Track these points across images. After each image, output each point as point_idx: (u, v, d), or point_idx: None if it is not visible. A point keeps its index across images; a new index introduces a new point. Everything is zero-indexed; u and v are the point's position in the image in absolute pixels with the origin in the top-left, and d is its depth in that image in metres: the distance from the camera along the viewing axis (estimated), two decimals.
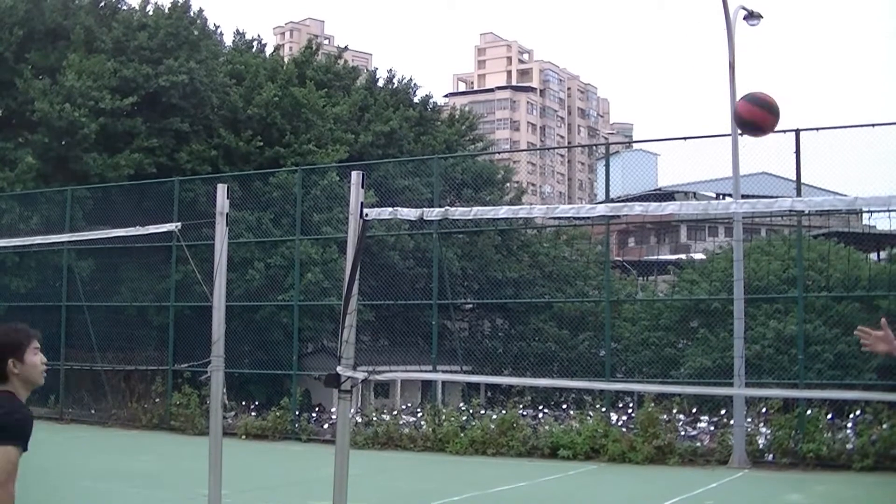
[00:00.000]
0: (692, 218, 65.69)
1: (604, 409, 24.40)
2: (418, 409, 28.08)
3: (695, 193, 62.78)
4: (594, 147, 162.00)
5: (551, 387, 29.91)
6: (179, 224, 15.89)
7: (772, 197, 9.45)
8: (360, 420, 26.57)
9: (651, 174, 61.79)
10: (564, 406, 28.82)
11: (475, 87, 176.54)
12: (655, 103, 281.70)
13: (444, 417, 25.52)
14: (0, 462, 5.73)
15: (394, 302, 31.99)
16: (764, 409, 22.91)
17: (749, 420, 22.52)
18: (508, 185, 48.69)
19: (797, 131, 22.76)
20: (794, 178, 23.05)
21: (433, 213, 10.09)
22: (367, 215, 9.88)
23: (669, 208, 10.17)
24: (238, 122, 40.05)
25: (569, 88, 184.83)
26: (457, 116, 52.45)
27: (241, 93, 40.49)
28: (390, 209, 10.04)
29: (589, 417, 24.14)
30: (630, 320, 33.72)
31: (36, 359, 6.47)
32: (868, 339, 6.81)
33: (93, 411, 30.81)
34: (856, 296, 28.75)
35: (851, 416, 22.21)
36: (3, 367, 6.24)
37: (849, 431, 21.91)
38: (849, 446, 21.47)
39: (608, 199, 27.61)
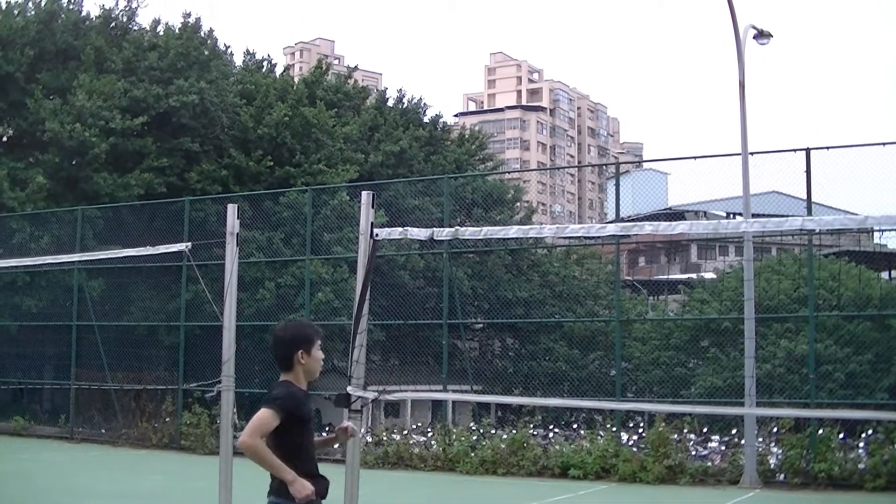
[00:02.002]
0: (702, 237, 65.62)
1: (614, 429, 24.34)
2: (429, 429, 28.00)
3: (705, 212, 62.68)
4: (604, 166, 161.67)
5: (562, 406, 29.84)
6: (190, 244, 15.92)
7: (782, 216, 9.42)
8: (370, 440, 26.51)
9: (661, 193, 61.72)
10: (575, 426, 28.74)
11: (485, 107, 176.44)
12: (665, 123, 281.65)
13: (454, 437, 25.46)
14: (257, 418, 7.04)
15: (404, 322, 31.93)
16: (775, 429, 22.82)
17: (760, 440, 22.45)
18: (518, 204, 48.65)
19: (808, 150, 22.72)
20: (805, 197, 23.00)
21: (443, 233, 10.09)
22: (377, 235, 9.89)
23: (679, 228, 10.15)
24: (248, 142, 40.13)
25: (579, 108, 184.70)
26: (467, 136, 52.50)
27: (252, 113, 40.57)
28: (400, 229, 10.05)
29: (599, 437, 24.07)
30: (640, 340, 33.62)
31: (319, 354, 7.38)
32: None
33: (103, 430, 30.80)
34: (867, 315, 28.68)
35: (863, 435, 22.11)
36: (291, 357, 7.33)
37: (861, 451, 21.82)
38: (861, 466, 21.38)
39: (618, 219, 27.58)
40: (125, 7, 43.89)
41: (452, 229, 10.14)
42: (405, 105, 50.75)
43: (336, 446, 8.93)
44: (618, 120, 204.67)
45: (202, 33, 43.19)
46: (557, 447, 24.48)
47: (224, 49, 45.94)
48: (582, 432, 25.89)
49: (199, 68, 40.14)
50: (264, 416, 7.03)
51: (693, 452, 23.64)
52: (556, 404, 27.41)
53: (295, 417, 7.25)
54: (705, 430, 24.58)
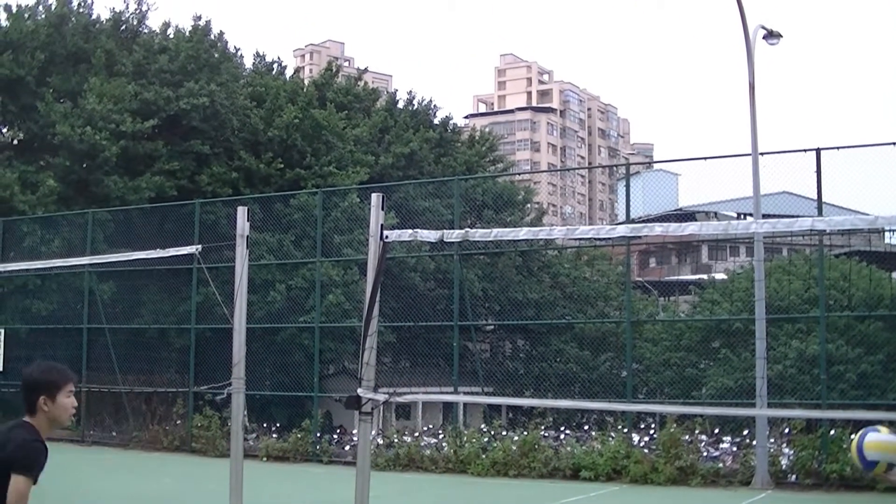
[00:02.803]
0: (713, 238, 65.55)
1: (625, 430, 24.31)
2: (440, 431, 28.01)
3: (716, 213, 62.60)
4: (614, 167, 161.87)
5: (573, 408, 29.81)
6: (200, 246, 15.95)
7: (793, 216, 9.40)
8: (381, 442, 26.52)
9: (672, 194, 61.65)
10: (586, 427, 28.71)
11: (495, 108, 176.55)
12: (676, 123, 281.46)
13: (465, 439, 25.46)
14: (13, 494, 6.05)
15: (415, 323, 31.93)
16: (787, 430, 22.80)
17: (772, 441, 22.42)
18: (529, 205, 48.65)
19: (818, 150, 22.69)
20: (816, 198, 22.97)
21: (454, 235, 10.08)
22: (387, 237, 9.88)
23: (690, 229, 10.14)
24: (258, 145, 40.15)
25: (589, 109, 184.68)
26: (477, 138, 52.48)
27: (262, 115, 40.60)
28: (411, 231, 10.04)
29: (611, 438, 24.05)
30: (651, 341, 33.59)
31: (68, 402, 6.58)
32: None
33: (114, 433, 30.85)
34: (878, 315, 28.61)
35: None
36: (34, 402, 6.48)
37: None
38: None
39: (629, 220, 27.53)
40: (135, 10, 43.99)
41: (462, 231, 10.14)
42: (415, 107, 50.74)
43: None
44: (628, 121, 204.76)
45: (212, 36, 43.23)
46: (569, 449, 24.46)
47: (234, 51, 45.99)
48: (593, 434, 25.86)
49: (210, 71, 40.19)
50: (25, 489, 6.10)
51: (704, 453, 23.62)
52: (566, 406, 27.35)
53: (40, 471, 6.31)
54: (717, 431, 24.55)
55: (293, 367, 31.91)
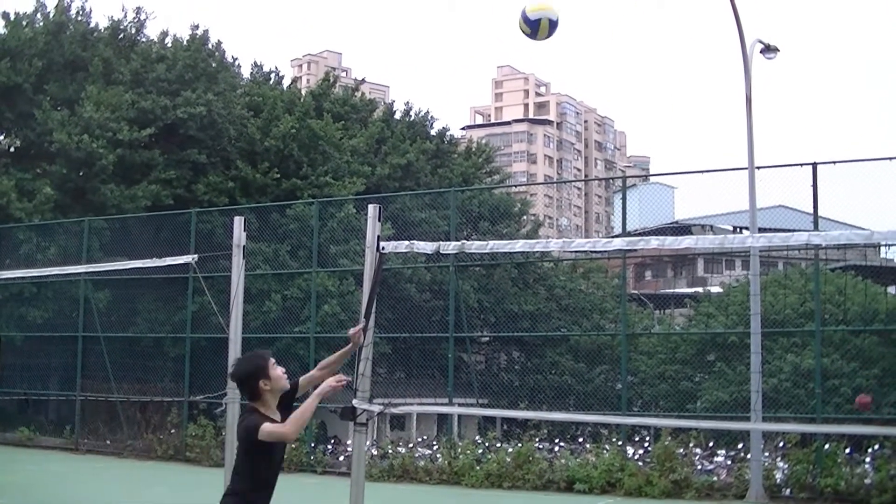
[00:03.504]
0: (709, 251, 65.58)
1: (620, 443, 24.30)
2: (434, 442, 27.99)
3: (712, 226, 62.68)
4: (611, 180, 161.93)
5: (567, 421, 29.81)
6: (196, 256, 15.95)
7: (789, 230, 9.42)
8: (375, 452, 26.50)
9: (668, 207, 61.68)
10: (581, 439, 28.72)
11: (492, 120, 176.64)
12: (672, 136, 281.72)
13: (459, 450, 25.43)
14: (272, 427, 7.72)
15: (410, 334, 31.94)
16: (781, 444, 22.80)
17: (766, 454, 22.42)
18: (525, 217, 48.69)
19: (814, 164, 22.73)
20: (812, 212, 23.00)
21: (449, 247, 10.09)
22: (383, 248, 9.89)
23: (685, 242, 10.17)
24: (255, 154, 40.17)
25: (586, 121, 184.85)
26: (474, 149, 52.49)
27: (259, 125, 40.62)
28: (407, 242, 10.06)
29: (605, 451, 24.04)
30: (646, 353, 33.61)
31: (278, 371, 8.05)
32: None
33: (108, 442, 30.79)
34: (873, 329, 28.63)
35: (870, 450, 22.08)
36: (255, 388, 7.90)
37: (867, 466, 21.78)
38: (867, 481, 21.34)
39: (625, 232, 27.56)
40: (133, 19, 43.98)
41: (458, 243, 10.15)
42: (412, 118, 50.77)
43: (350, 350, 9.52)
44: (625, 133, 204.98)
45: (210, 45, 43.25)
46: (563, 461, 24.44)
47: (232, 61, 46.00)
48: (588, 446, 25.88)
49: (207, 80, 40.20)
50: (267, 426, 7.70)
51: (699, 467, 23.61)
52: (561, 419, 27.32)
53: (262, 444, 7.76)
54: (711, 444, 24.56)
55: (288, 377, 31.83)
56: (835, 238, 8.93)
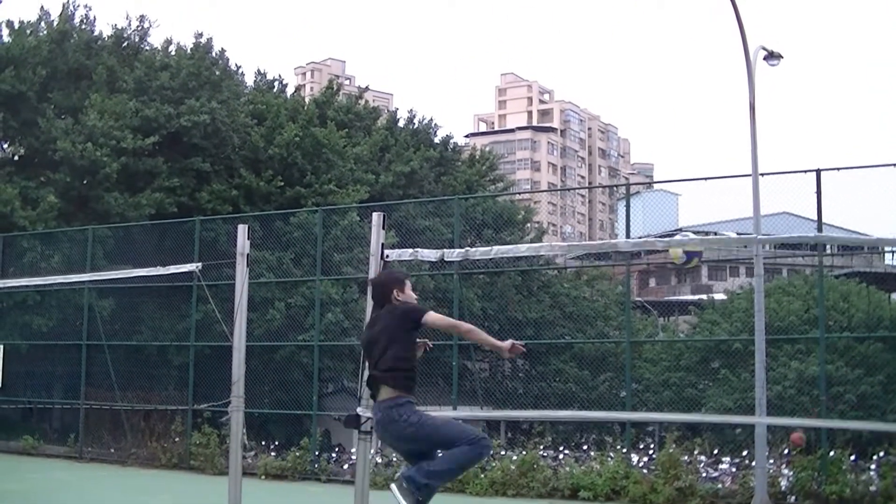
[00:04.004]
0: (713, 257, 65.56)
1: (624, 451, 24.26)
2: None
3: (716, 233, 62.64)
4: (615, 187, 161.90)
5: (571, 422, 29.76)
6: (200, 264, 15.97)
7: (792, 235, 9.43)
8: (379, 460, 26.42)
9: (672, 214, 61.87)
10: (585, 447, 28.65)
11: (496, 128, 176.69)
12: (676, 143, 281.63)
13: None
14: (437, 316, 9.35)
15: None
16: (786, 451, 22.75)
17: (771, 461, 22.36)
18: (529, 225, 48.67)
19: (818, 171, 22.70)
20: (816, 218, 22.97)
21: (453, 254, 10.09)
22: (387, 256, 9.90)
23: (690, 244, 10.15)
24: (259, 162, 40.20)
25: (589, 128, 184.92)
26: (477, 157, 52.58)
27: (263, 133, 40.65)
28: (411, 250, 10.08)
29: (610, 458, 23.99)
30: (651, 361, 33.59)
31: (412, 293, 9.22)
32: None
33: (112, 450, 30.76)
34: (878, 336, 28.61)
35: (875, 457, 22.04)
36: (389, 296, 9.08)
37: (872, 473, 21.73)
38: (872, 488, 21.29)
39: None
40: (137, 27, 44.07)
41: (462, 250, 10.16)
42: (416, 126, 50.83)
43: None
44: (628, 141, 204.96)
45: (214, 53, 43.33)
46: (567, 468, 24.39)
47: (235, 69, 46.06)
48: (592, 454, 25.81)
49: (211, 88, 40.26)
50: (435, 314, 9.33)
51: (704, 474, 23.55)
52: (564, 416, 27.31)
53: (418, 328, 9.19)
54: (716, 451, 24.50)
55: (292, 386, 31.85)
56: (840, 240, 8.95)
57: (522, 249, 10.96)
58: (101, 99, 37.85)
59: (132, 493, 24.00)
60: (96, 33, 43.17)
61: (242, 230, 13.84)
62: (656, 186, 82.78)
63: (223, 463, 25.69)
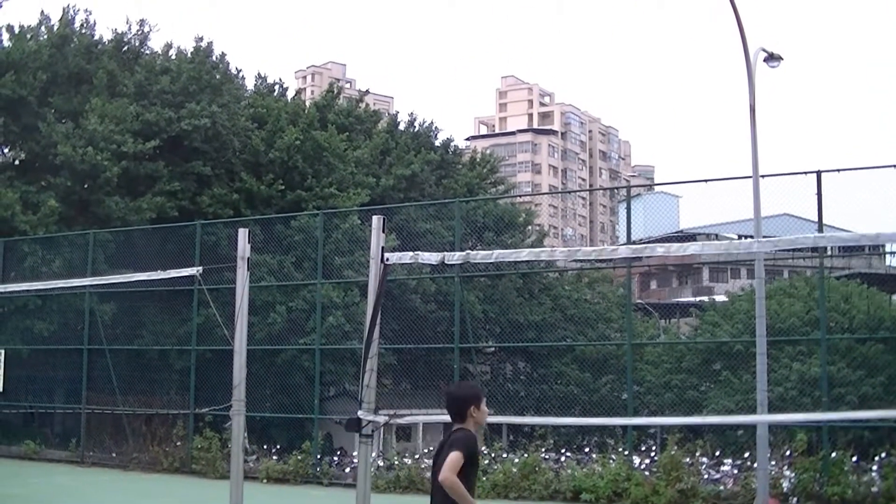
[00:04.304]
0: (714, 260, 65.55)
1: (626, 453, 24.25)
2: None
3: (717, 235, 62.73)
4: (616, 190, 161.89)
5: (572, 427, 29.76)
6: (201, 268, 15.97)
7: (794, 237, 9.41)
8: (381, 464, 26.44)
9: (673, 216, 61.82)
10: (587, 449, 28.65)
11: (496, 130, 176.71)
12: (677, 145, 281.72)
13: None
14: (453, 459, 8.35)
15: (415, 345, 31.92)
16: (788, 452, 22.74)
17: (773, 463, 22.34)
18: (530, 228, 48.65)
19: (818, 173, 22.71)
20: (816, 220, 22.97)
21: (454, 257, 10.09)
22: (388, 259, 9.88)
23: (691, 248, 10.14)
24: (260, 166, 40.20)
25: (590, 131, 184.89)
26: (478, 159, 52.56)
27: (263, 136, 40.66)
28: (411, 253, 10.05)
29: (611, 461, 23.99)
30: (652, 363, 33.60)
31: (486, 409, 8.99)
32: None
33: (114, 455, 30.75)
34: (879, 337, 28.62)
35: (877, 458, 22.03)
36: (465, 411, 8.84)
37: (874, 474, 21.73)
38: (874, 489, 21.28)
39: (629, 242, 27.53)
40: (137, 31, 44.07)
41: (463, 253, 10.14)
42: (416, 129, 50.83)
43: None
44: (629, 143, 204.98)
45: (214, 57, 43.34)
46: (569, 471, 24.38)
47: (236, 73, 46.06)
48: (594, 456, 25.80)
49: (211, 92, 40.26)
50: (456, 457, 8.43)
51: (705, 476, 23.55)
52: (566, 422, 27.33)
53: (473, 458, 8.65)
54: (718, 453, 24.50)
55: (293, 389, 31.85)
56: (840, 240, 8.93)
57: (523, 254, 10.96)
58: (101, 103, 37.85)
59: (134, 498, 24.02)
60: (97, 37, 43.18)
61: (243, 234, 13.85)
62: (657, 188, 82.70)
63: (225, 467, 25.70)
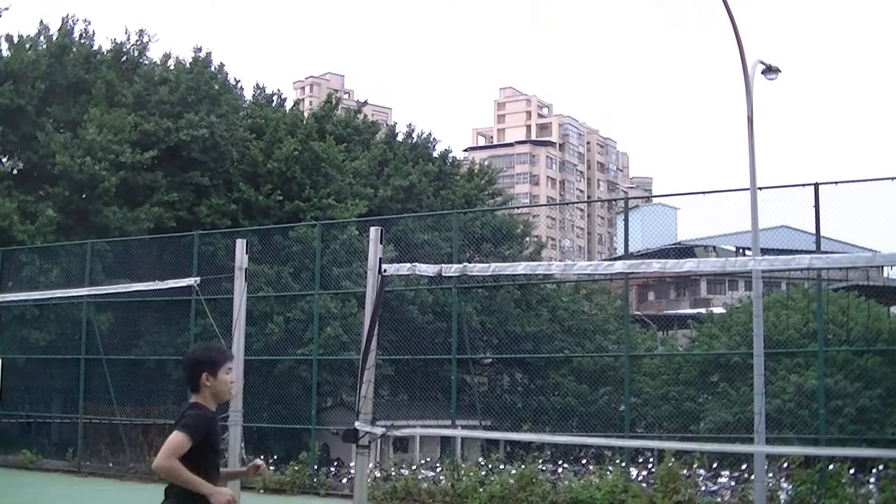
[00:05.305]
0: (712, 273, 65.55)
1: (623, 464, 24.22)
2: (437, 464, 27.88)
3: (714, 247, 62.72)
4: (613, 201, 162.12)
5: (570, 443, 29.75)
6: (199, 278, 15.97)
7: (791, 251, 9.42)
8: (378, 475, 26.40)
9: (670, 228, 61.79)
10: (584, 461, 28.63)
11: (494, 142, 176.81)
12: (675, 157, 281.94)
13: (462, 472, 25.33)
14: (170, 441, 7.38)
15: (413, 356, 31.91)
16: (785, 464, 22.72)
17: (770, 475, 22.32)
18: (528, 239, 48.70)
19: (816, 185, 22.71)
20: (814, 232, 22.98)
21: (452, 269, 10.09)
22: (385, 270, 9.88)
23: (687, 265, 10.16)
24: (258, 177, 40.24)
25: (588, 142, 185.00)
26: (476, 171, 52.66)
27: (261, 147, 40.70)
28: (409, 265, 10.05)
29: (608, 472, 23.94)
30: (650, 375, 33.59)
31: (227, 377, 7.72)
32: None
33: (111, 464, 30.70)
34: (877, 349, 28.61)
35: (874, 471, 22.01)
36: (197, 379, 7.63)
37: (871, 486, 21.70)
38: (872, 501, 21.25)
39: (627, 254, 27.53)
40: (136, 41, 44.14)
41: (461, 265, 10.14)
42: (415, 140, 50.90)
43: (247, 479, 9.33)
44: (627, 154, 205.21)
45: (213, 68, 43.38)
46: (566, 482, 24.34)
47: (234, 83, 46.12)
48: (591, 467, 25.76)
49: (210, 102, 40.30)
50: (177, 440, 7.39)
51: (703, 488, 23.52)
52: (564, 441, 27.28)
53: (205, 442, 7.53)
54: (715, 465, 24.48)
55: (291, 400, 31.84)
56: (836, 261, 8.91)
57: (520, 268, 10.96)
58: (100, 113, 37.88)
59: None
60: (95, 47, 43.24)
61: (241, 244, 13.85)
62: (655, 200, 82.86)
63: None
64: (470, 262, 30.22)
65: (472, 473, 25.11)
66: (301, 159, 40.68)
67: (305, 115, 49.53)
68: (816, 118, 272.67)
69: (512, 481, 24.28)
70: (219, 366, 7.67)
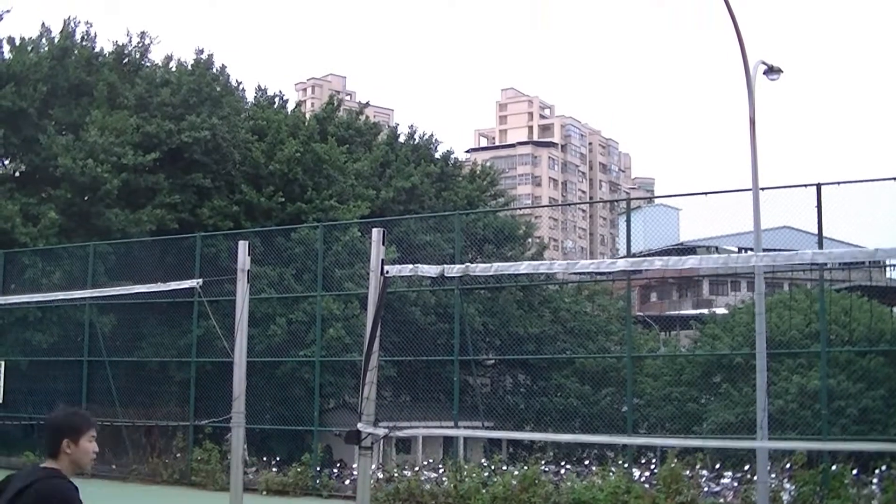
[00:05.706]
0: (714, 272, 65.54)
1: (626, 465, 24.21)
2: (440, 465, 27.85)
3: (717, 248, 62.69)
4: (616, 202, 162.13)
5: (573, 442, 29.72)
6: (201, 280, 15.99)
7: (793, 250, 9.40)
8: (381, 476, 26.38)
9: (673, 229, 61.86)
10: (587, 462, 28.59)
11: (496, 143, 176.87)
12: (677, 158, 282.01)
13: (465, 473, 25.32)
14: None
15: (415, 358, 31.89)
16: (788, 465, 22.69)
17: (773, 476, 22.30)
18: (530, 240, 48.68)
19: (818, 185, 22.70)
20: (816, 232, 22.96)
21: (454, 270, 10.09)
22: (388, 272, 9.88)
23: (690, 262, 10.13)
24: (260, 178, 40.22)
25: (590, 143, 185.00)
26: (478, 172, 52.60)
27: (263, 149, 40.68)
28: (411, 266, 10.05)
29: (611, 473, 23.93)
30: (652, 375, 33.57)
31: (89, 446, 6.92)
32: None
33: (113, 466, 30.70)
34: (880, 350, 28.58)
35: (877, 471, 21.98)
36: (57, 445, 6.80)
37: (874, 487, 21.67)
38: (874, 502, 21.24)
39: (629, 254, 27.53)
40: (138, 43, 44.08)
41: (463, 266, 10.15)
42: (416, 141, 50.87)
43: None
44: (629, 155, 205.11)
45: (214, 69, 43.34)
46: (569, 483, 24.33)
47: (236, 85, 46.07)
48: (594, 468, 25.75)
49: (212, 104, 40.28)
50: None
51: (706, 489, 23.50)
52: (566, 440, 27.30)
53: None
54: (718, 466, 24.46)
55: (293, 401, 31.84)
56: (838, 256, 8.92)
57: (522, 267, 10.96)
58: (101, 115, 37.87)
59: None
60: (97, 50, 43.20)
61: (243, 246, 13.86)
62: (657, 201, 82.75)
63: (224, 479, 25.65)
64: (472, 264, 30.24)
65: (474, 474, 25.10)
66: (303, 161, 40.68)
67: (307, 116, 49.49)
68: (818, 118, 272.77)
69: (514, 482, 24.27)
70: (82, 433, 6.90)
